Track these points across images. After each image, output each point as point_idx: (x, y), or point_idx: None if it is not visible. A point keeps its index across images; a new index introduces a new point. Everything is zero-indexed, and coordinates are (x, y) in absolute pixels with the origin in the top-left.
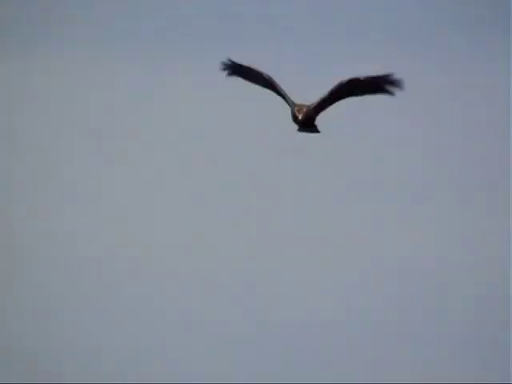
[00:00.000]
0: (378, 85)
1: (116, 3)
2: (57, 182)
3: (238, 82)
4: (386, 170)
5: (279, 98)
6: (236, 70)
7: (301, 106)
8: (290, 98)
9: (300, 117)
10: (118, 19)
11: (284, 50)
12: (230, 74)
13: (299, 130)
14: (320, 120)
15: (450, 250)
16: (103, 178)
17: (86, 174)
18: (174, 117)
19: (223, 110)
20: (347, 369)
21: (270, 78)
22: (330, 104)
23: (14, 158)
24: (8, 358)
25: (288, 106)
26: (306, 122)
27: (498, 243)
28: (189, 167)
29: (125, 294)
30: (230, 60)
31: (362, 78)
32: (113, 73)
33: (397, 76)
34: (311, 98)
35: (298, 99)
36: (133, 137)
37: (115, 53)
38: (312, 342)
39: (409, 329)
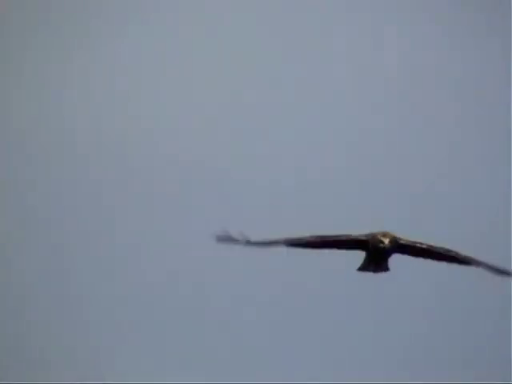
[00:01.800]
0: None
1: None
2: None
3: None
4: None
5: None
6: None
7: (384, 232)
8: (361, 235)
9: (386, 242)
10: None
11: None
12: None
13: (363, 267)
14: None
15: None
16: None
17: None
18: None
19: None
20: None
21: (322, 237)
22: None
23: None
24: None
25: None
26: (389, 252)
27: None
28: None
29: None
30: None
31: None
32: None
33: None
34: None
35: None
36: None
37: None
38: None
39: (408, 329)
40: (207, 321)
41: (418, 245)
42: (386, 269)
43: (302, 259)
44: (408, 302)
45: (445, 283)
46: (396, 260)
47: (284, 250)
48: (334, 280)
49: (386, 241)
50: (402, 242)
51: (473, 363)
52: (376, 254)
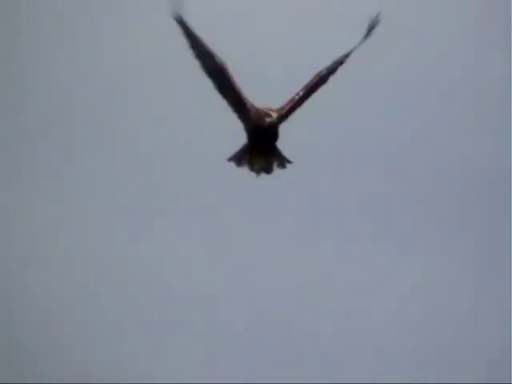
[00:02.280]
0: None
1: None
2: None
3: None
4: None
5: None
6: (188, 34)
7: (268, 110)
8: (247, 101)
9: (275, 115)
10: None
11: None
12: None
13: (254, 166)
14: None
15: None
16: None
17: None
18: None
19: None
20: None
21: (226, 68)
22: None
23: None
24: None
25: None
26: (274, 133)
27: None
28: None
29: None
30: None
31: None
32: None
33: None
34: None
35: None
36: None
37: None
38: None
39: (408, 330)
40: None
41: (299, 95)
42: (286, 160)
43: None
44: (406, 302)
45: (444, 282)
46: None
47: None
48: None
49: (274, 114)
50: (287, 109)
51: (472, 363)
52: (259, 135)
